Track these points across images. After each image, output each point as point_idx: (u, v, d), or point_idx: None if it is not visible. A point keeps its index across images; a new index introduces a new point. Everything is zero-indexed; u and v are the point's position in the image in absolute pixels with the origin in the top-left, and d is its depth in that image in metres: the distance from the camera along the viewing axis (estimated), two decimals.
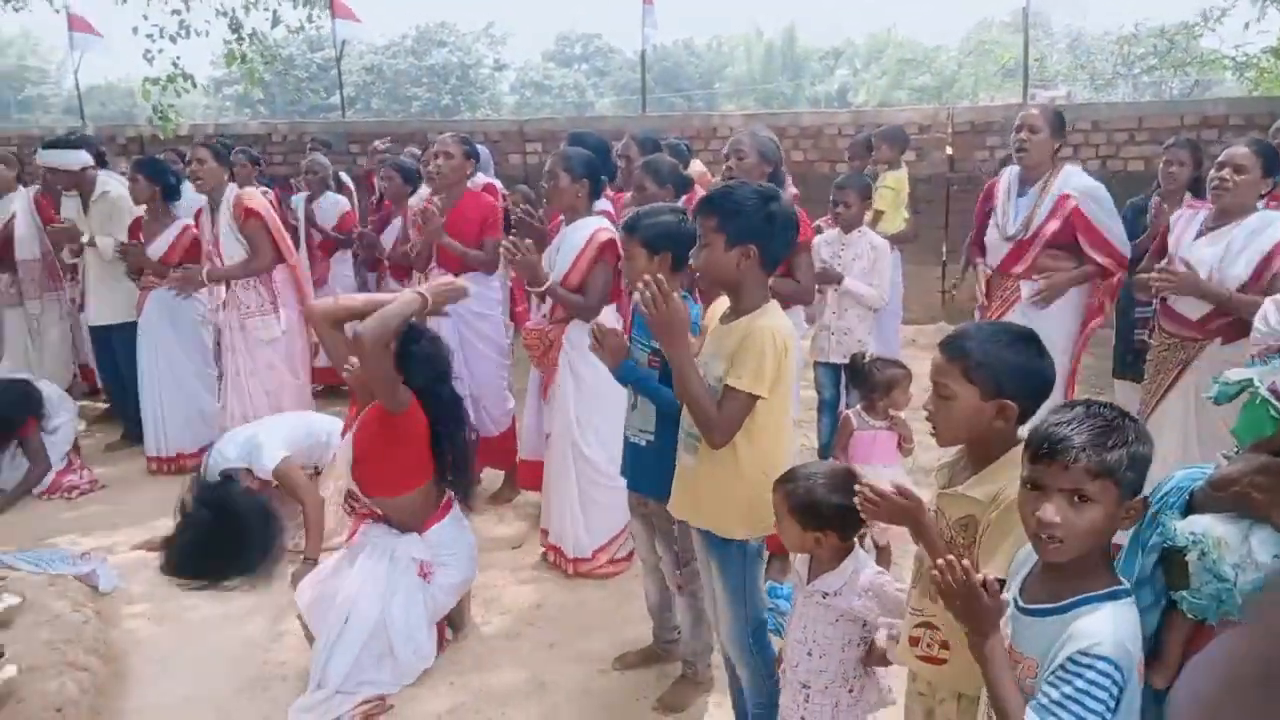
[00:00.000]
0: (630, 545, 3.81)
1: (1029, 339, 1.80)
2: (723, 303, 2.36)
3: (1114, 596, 1.44)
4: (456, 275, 4.31)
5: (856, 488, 1.78)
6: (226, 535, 3.68)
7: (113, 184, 5.12)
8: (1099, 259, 3.83)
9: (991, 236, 4.12)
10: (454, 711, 2.94)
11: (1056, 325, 3.82)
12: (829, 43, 45.93)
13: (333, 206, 6.18)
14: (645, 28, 8.22)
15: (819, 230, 4.41)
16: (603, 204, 3.88)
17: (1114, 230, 3.89)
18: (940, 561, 1.51)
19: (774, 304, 2.27)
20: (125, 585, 3.70)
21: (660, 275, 2.20)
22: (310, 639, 3.14)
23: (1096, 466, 1.40)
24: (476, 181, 4.69)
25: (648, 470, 2.81)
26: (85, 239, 5.05)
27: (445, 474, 3.20)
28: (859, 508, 1.79)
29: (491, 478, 4.70)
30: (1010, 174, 4.11)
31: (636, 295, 2.20)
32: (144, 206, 4.91)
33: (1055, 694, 1.36)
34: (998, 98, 25.96)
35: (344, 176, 6.83)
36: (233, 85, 32.52)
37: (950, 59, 37.18)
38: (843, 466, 2.15)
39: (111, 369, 5.25)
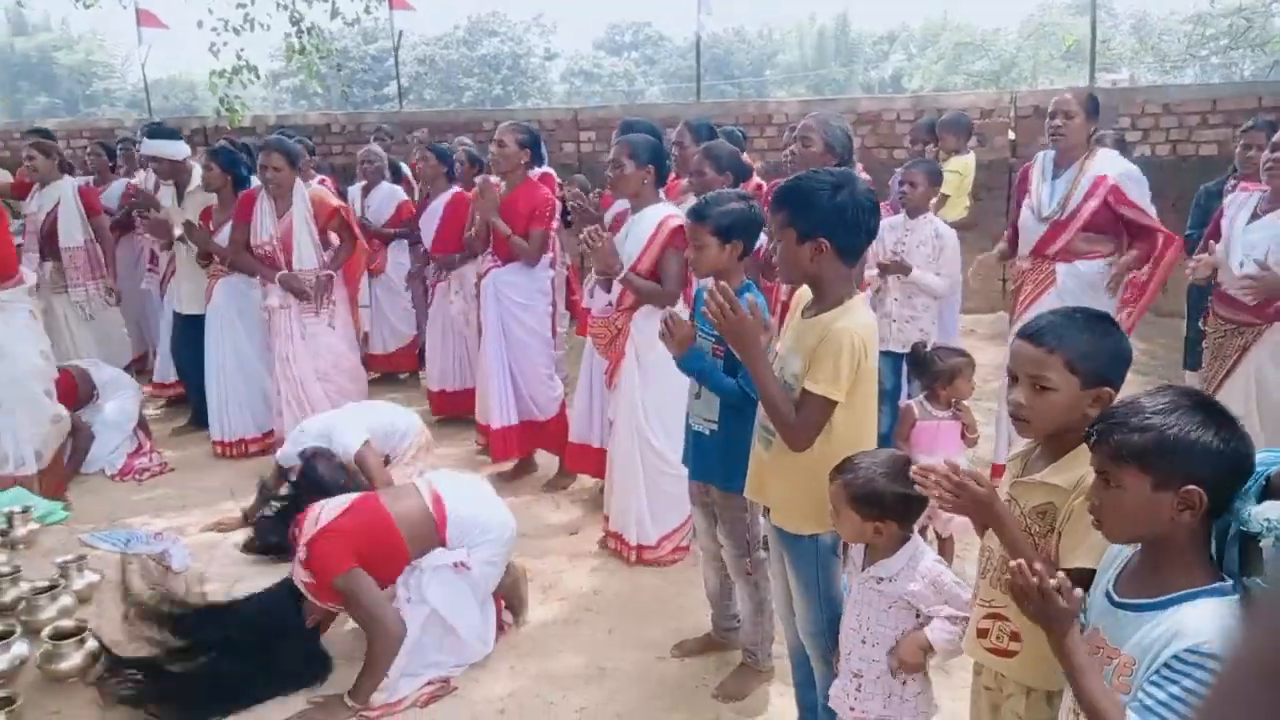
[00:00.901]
0: (692, 535, 3.81)
1: (1109, 320, 1.77)
2: (806, 292, 2.31)
3: (1219, 592, 1.39)
4: (504, 263, 4.38)
5: (933, 478, 1.74)
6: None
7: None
8: (1146, 229, 3.82)
9: (1025, 219, 4.08)
10: (515, 695, 2.97)
11: (1091, 304, 3.78)
12: (883, 27, 45.20)
13: (388, 197, 6.25)
14: (700, 14, 8.17)
15: None
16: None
17: (1152, 213, 3.89)
18: (1013, 564, 1.49)
19: (858, 300, 2.21)
20: (197, 565, 3.80)
21: (725, 284, 2.14)
22: None
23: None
24: (534, 171, 4.70)
25: (710, 459, 2.81)
26: (177, 234, 5.18)
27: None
28: (937, 497, 1.75)
29: (546, 464, 4.75)
30: (1044, 158, 4.09)
31: (706, 300, 2.16)
32: (214, 195, 5.04)
33: (1161, 694, 1.31)
34: (1058, 81, 25.31)
35: (404, 168, 6.90)
36: (290, 78, 33.10)
37: (1009, 42, 36.29)
38: (901, 455, 2.10)
39: (191, 356, 5.37)
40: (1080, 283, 3.90)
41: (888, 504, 2.01)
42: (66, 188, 5.62)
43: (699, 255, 2.74)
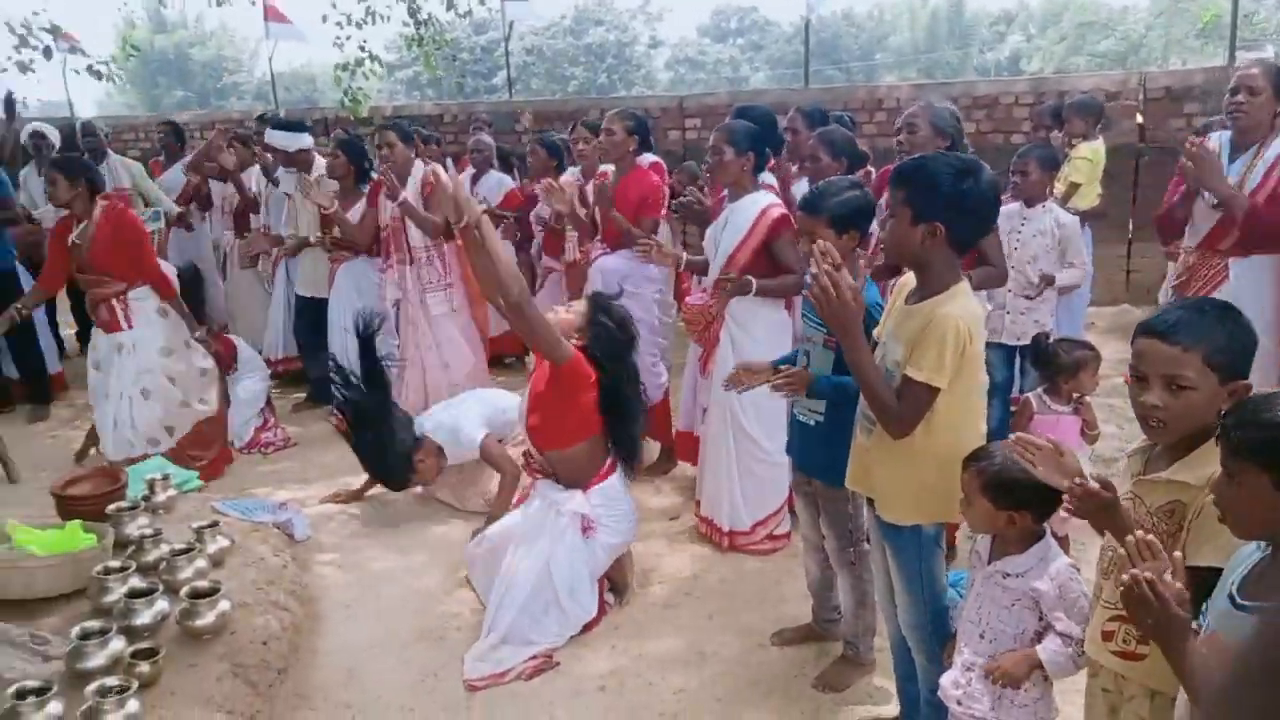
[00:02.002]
0: (788, 524, 3.80)
1: (1235, 309, 1.70)
2: (910, 279, 2.28)
3: None
4: (613, 250, 4.42)
5: (1066, 484, 1.69)
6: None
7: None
8: None
9: (1199, 208, 3.80)
10: (616, 673, 3.03)
11: (1268, 303, 3.51)
12: (1000, 6, 43.42)
13: (497, 184, 6.38)
14: None
15: None
16: (766, 177, 3.83)
17: None
18: (1125, 577, 1.44)
19: (963, 286, 2.16)
20: (316, 535, 4.01)
21: (828, 267, 2.12)
22: (477, 593, 3.35)
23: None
24: (644, 159, 4.73)
25: (815, 450, 2.79)
26: (312, 239, 5.45)
27: (613, 434, 3.31)
28: (1069, 506, 1.71)
29: (648, 448, 4.79)
30: (1220, 139, 3.77)
31: (809, 285, 2.15)
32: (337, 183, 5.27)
33: None
34: (1191, 61, 23.84)
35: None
36: (404, 69, 34.13)
37: (1138, 20, 34.37)
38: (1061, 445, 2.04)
39: (309, 335, 5.65)
40: (1257, 278, 3.56)
41: (1023, 494, 1.94)
42: (257, 174, 5.98)
43: (814, 246, 2.71)
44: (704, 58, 44.90)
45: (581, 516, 3.21)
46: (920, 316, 2.13)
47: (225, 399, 4.96)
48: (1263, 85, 3.52)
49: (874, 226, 3.01)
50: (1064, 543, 3.33)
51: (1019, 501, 1.95)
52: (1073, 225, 4.04)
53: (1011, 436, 1.89)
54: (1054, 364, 3.31)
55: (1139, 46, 32.78)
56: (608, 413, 3.28)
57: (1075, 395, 3.33)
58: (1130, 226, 6.95)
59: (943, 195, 2.09)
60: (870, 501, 2.38)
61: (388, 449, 3.93)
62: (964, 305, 2.12)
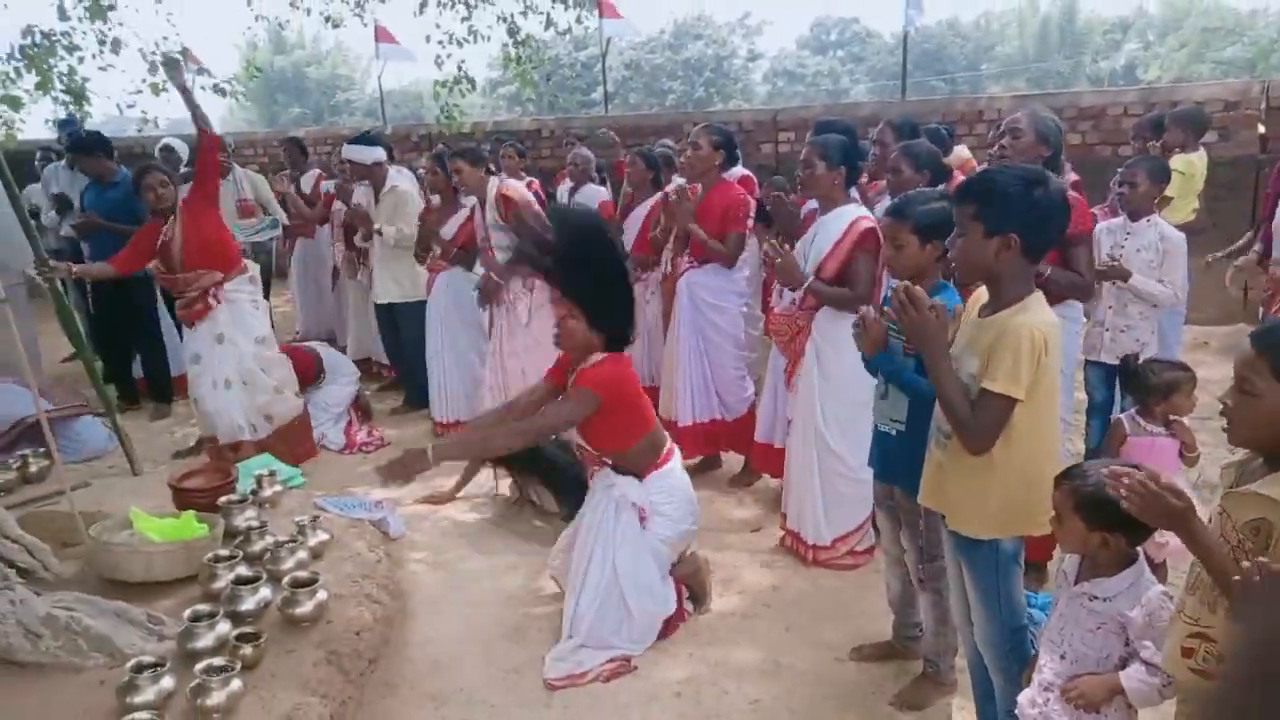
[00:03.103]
0: (871, 539, 3.76)
1: None
2: (983, 292, 2.26)
3: None
4: (701, 263, 4.46)
5: (1125, 479, 1.65)
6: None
7: (402, 180, 5.75)
8: None
9: None
10: (691, 680, 3.06)
11: None
12: (1116, 12, 41.72)
13: (593, 196, 6.52)
14: (908, 9, 7.94)
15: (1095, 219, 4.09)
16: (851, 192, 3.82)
17: None
18: (1246, 564, 1.42)
19: (1037, 297, 2.14)
20: (409, 533, 4.17)
21: (907, 283, 2.12)
22: (560, 587, 3.44)
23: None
24: (734, 173, 4.76)
25: (896, 461, 2.77)
26: (376, 227, 5.70)
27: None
28: (1124, 497, 1.66)
29: (731, 461, 4.81)
30: None
31: (890, 298, 2.15)
32: (437, 196, 5.48)
33: None
34: None
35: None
36: (506, 86, 35.01)
37: (1269, 25, 32.51)
38: (1136, 465, 1.98)
39: (394, 342, 5.89)
40: None
41: (1118, 515, 1.84)
42: (367, 191, 6.29)
43: (897, 254, 2.71)
44: (803, 70, 44.59)
45: (637, 507, 3.21)
46: (994, 328, 2.11)
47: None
48: None
49: None
50: (1160, 570, 3.20)
51: (1113, 522, 1.89)
52: (1177, 241, 3.88)
53: (1105, 464, 1.84)
54: (1144, 385, 3.20)
55: (1269, 53, 30.96)
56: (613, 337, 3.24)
57: (1169, 417, 3.21)
58: (1259, 239, 6.59)
59: (1015, 206, 2.08)
60: (943, 517, 2.35)
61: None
62: (1039, 315, 2.10)
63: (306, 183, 7.14)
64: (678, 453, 3.43)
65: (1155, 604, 1.88)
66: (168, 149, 6.96)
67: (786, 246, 3.73)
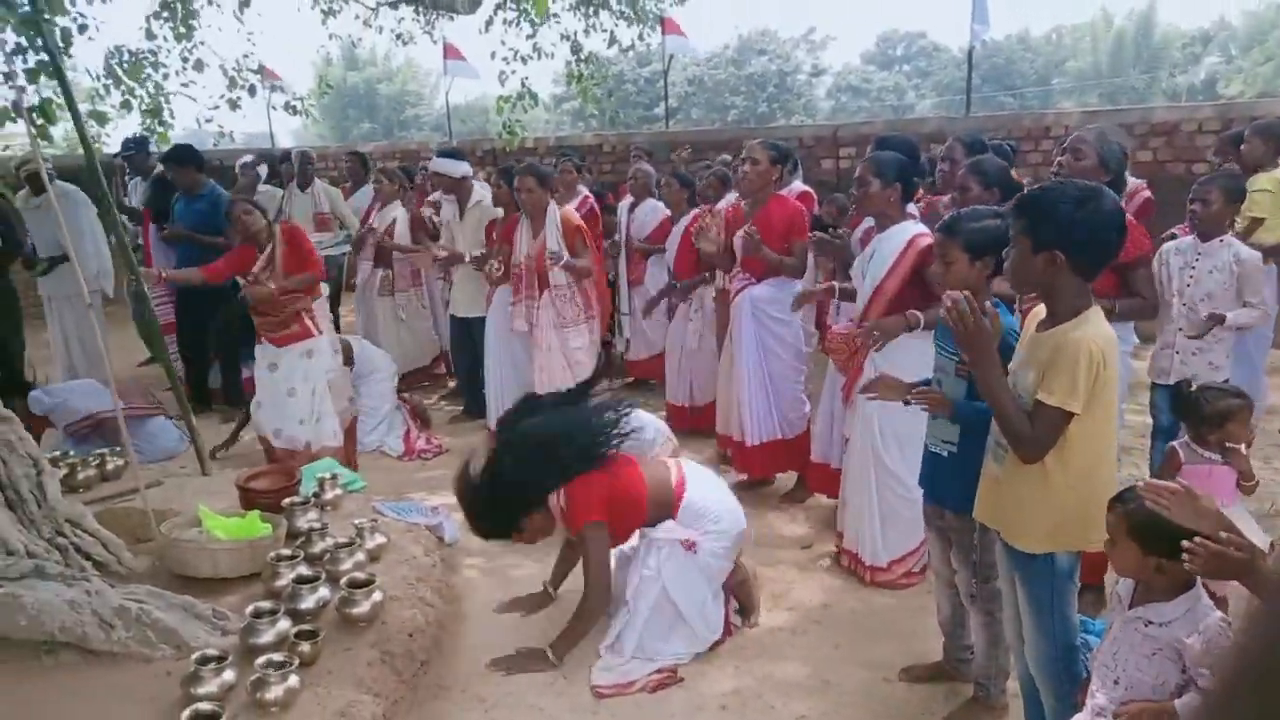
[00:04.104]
0: (925, 560, 3.72)
1: None
2: (1043, 308, 2.25)
3: None
4: (759, 279, 4.46)
5: (1185, 545, 1.63)
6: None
7: (486, 195, 5.89)
8: None
9: None
10: (739, 693, 3.06)
11: None
12: (1195, 25, 40.48)
13: (653, 212, 6.57)
14: (974, 23, 7.86)
15: (1173, 237, 4.00)
16: (910, 208, 3.80)
17: None
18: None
19: (1095, 311, 2.13)
20: (464, 539, 4.25)
21: (967, 292, 2.13)
22: None
23: None
24: (793, 188, 4.76)
25: (947, 481, 2.75)
26: (467, 258, 5.75)
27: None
28: (1187, 560, 1.63)
29: (784, 477, 4.80)
30: None
31: (944, 310, 2.16)
32: (500, 210, 5.59)
33: None
34: None
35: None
36: (570, 101, 35.47)
37: None
38: (1193, 490, 1.94)
39: (465, 353, 6.01)
40: None
41: (1175, 540, 1.79)
42: (399, 211, 6.52)
43: (947, 271, 2.70)
44: (868, 85, 44.25)
45: (682, 541, 3.22)
46: (1051, 342, 2.11)
47: None
48: None
49: None
50: (1221, 604, 3.10)
51: (1170, 549, 1.83)
52: (1253, 261, 3.77)
53: (1140, 482, 1.82)
54: (1198, 413, 3.11)
55: None
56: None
57: (1226, 444, 3.11)
58: None
59: (1060, 224, 2.08)
60: (999, 533, 2.32)
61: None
62: (1097, 329, 2.09)
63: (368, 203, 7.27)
64: (688, 468, 3.43)
65: (1213, 631, 1.84)
66: (248, 164, 7.23)
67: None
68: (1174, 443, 3.23)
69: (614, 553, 3.45)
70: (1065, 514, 2.11)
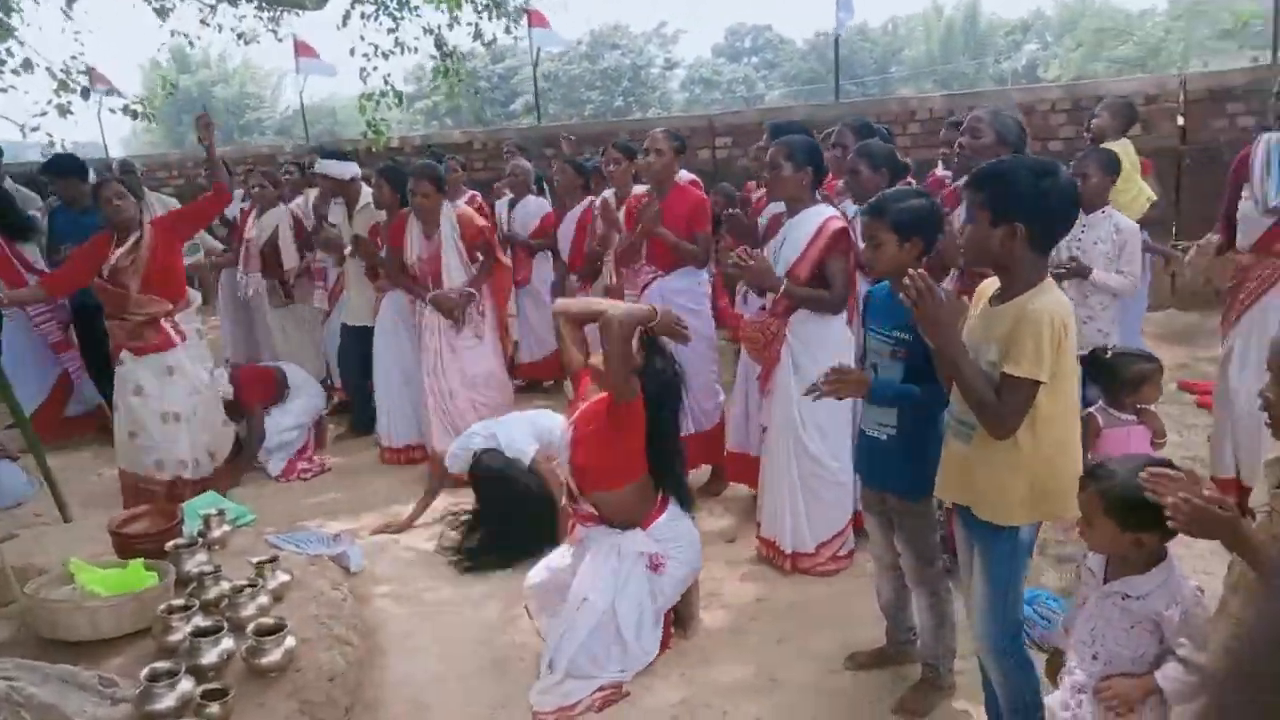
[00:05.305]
0: (851, 544, 3.72)
1: None
2: (992, 283, 2.24)
3: None
4: (668, 270, 4.36)
5: (1170, 500, 1.62)
6: (519, 512, 3.89)
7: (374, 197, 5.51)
8: None
9: (1246, 210, 3.76)
10: (687, 703, 2.95)
11: None
12: (1016, 15, 43.37)
13: (536, 208, 6.39)
14: (839, 11, 8.02)
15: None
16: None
17: None
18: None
19: (1049, 283, 2.14)
20: (371, 566, 3.96)
21: (924, 271, 2.09)
22: (536, 626, 3.29)
23: None
24: (681, 177, 4.70)
25: (889, 465, 2.72)
26: (348, 250, 5.49)
27: (662, 476, 3.23)
28: (1169, 516, 1.63)
29: (699, 472, 4.72)
30: (1268, 142, 3.73)
31: (904, 286, 2.10)
32: (384, 212, 5.27)
33: None
34: (1213, 64, 23.63)
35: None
36: (422, 99, 34.50)
37: (1156, 25, 34.19)
38: (1161, 460, 1.95)
39: (355, 365, 5.65)
40: None
41: (1150, 514, 1.79)
42: (284, 214, 6.05)
43: (876, 253, 2.66)
44: (719, 77, 45.07)
45: (649, 555, 3.12)
46: (1010, 315, 2.10)
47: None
48: None
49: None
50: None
51: (1146, 522, 1.84)
52: (1130, 230, 3.95)
53: (1126, 461, 1.81)
54: (1115, 378, 3.22)
55: (1158, 51, 32.55)
56: (656, 456, 3.18)
57: (1139, 405, 3.24)
58: (1174, 229, 6.83)
59: (1021, 196, 2.07)
60: (961, 510, 2.31)
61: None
62: (1055, 298, 2.10)
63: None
64: (674, 501, 3.32)
65: (1190, 601, 1.85)
66: (128, 166, 6.58)
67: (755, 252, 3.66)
68: (1090, 409, 3.33)
69: (559, 563, 3.33)
70: (1039, 485, 2.12)
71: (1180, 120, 6.81)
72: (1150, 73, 19.10)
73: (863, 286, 3.43)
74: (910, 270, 2.10)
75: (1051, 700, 2.02)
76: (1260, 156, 3.72)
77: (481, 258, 5.08)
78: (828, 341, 3.49)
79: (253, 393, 5.21)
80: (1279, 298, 3.69)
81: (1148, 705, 1.90)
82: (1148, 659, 1.90)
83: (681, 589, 3.26)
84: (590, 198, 5.55)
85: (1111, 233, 3.91)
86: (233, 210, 6.44)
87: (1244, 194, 3.80)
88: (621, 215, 4.52)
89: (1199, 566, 3.01)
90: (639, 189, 4.63)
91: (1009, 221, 2.07)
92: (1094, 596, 1.97)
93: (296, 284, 6.12)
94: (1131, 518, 1.85)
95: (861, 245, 2.97)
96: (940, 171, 4.36)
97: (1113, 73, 28.90)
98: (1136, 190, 5.20)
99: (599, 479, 3.20)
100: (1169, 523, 1.66)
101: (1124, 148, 5.25)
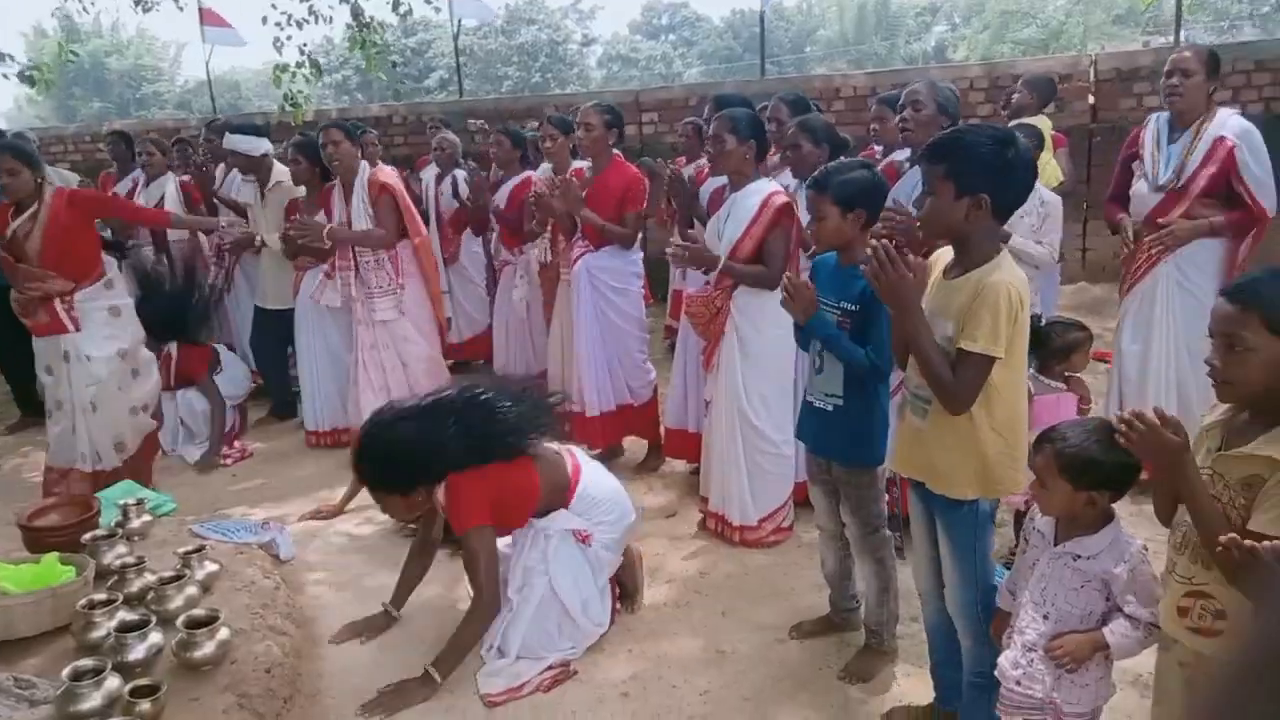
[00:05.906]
0: (791, 516, 3.75)
1: None
2: (944, 254, 2.25)
3: None
4: (597, 247, 4.30)
5: (1122, 415, 1.66)
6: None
7: (286, 174, 5.24)
8: (1244, 206, 3.70)
9: (1139, 188, 3.94)
10: (637, 677, 2.94)
11: (1206, 280, 3.74)
12: None
13: (461, 184, 6.23)
14: None
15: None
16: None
17: (1261, 180, 3.70)
18: (1224, 539, 1.47)
19: (1005, 256, 2.14)
20: (302, 553, 3.83)
21: (885, 241, 2.09)
22: None
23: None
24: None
25: (834, 434, 2.75)
26: (258, 241, 5.26)
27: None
28: (1122, 433, 1.66)
29: (633, 446, 4.71)
30: (1158, 120, 3.93)
31: (868, 257, 2.10)
32: (303, 188, 5.06)
33: None
34: (1109, 47, 24.60)
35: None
36: (332, 73, 33.36)
37: (1058, 8, 35.42)
38: (1109, 421, 2.00)
39: (271, 349, 5.43)
40: (1198, 255, 3.78)
41: (1105, 473, 1.89)
42: (170, 184, 5.73)
43: (819, 226, 2.67)
44: (636, 54, 44.88)
45: (574, 532, 3.07)
46: (967, 289, 2.09)
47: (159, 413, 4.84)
48: (1196, 67, 3.68)
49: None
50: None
51: (1099, 481, 1.91)
52: (1055, 203, 4.06)
53: (1078, 424, 1.85)
54: (1046, 346, 3.32)
55: (1059, 34, 33.73)
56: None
57: (1067, 373, 3.35)
58: (1084, 205, 7.09)
59: (987, 166, 2.06)
60: (916, 484, 2.33)
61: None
62: (1012, 273, 2.10)
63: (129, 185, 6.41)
64: (582, 456, 3.28)
65: (1137, 559, 1.92)
66: (124, 136, 6.32)
67: (690, 232, 3.65)
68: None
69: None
70: (994, 459, 2.13)
71: (1090, 99, 7.05)
72: (1053, 54, 19.79)
73: (804, 259, 3.45)
74: (873, 241, 2.09)
75: (1002, 660, 2.07)
76: (1150, 133, 3.91)
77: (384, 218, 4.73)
78: (771, 315, 3.49)
79: (197, 364, 5.06)
80: (1167, 267, 3.86)
81: (1094, 659, 1.97)
82: (1095, 616, 1.97)
83: (619, 552, 3.22)
84: (528, 172, 5.43)
85: (1037, 205, 4.01)
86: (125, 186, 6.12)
87: (1136, 171, 3.98)
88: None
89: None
90: (578, 164, 4.55)
91: (974, 193, 2.06)
92: (1045, 558, 2.02)
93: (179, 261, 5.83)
94: (1084, 477, 1.90)
95: (805, 219, 2.98)
96: (875, 148, 4.41)
97: (1017, 54, 29.82)
98: (1052, 168, 5.38)
99: (522, 523, 3.09)
100: (1121, 441, 1.69)
101: (1043, 124, 5.42)
